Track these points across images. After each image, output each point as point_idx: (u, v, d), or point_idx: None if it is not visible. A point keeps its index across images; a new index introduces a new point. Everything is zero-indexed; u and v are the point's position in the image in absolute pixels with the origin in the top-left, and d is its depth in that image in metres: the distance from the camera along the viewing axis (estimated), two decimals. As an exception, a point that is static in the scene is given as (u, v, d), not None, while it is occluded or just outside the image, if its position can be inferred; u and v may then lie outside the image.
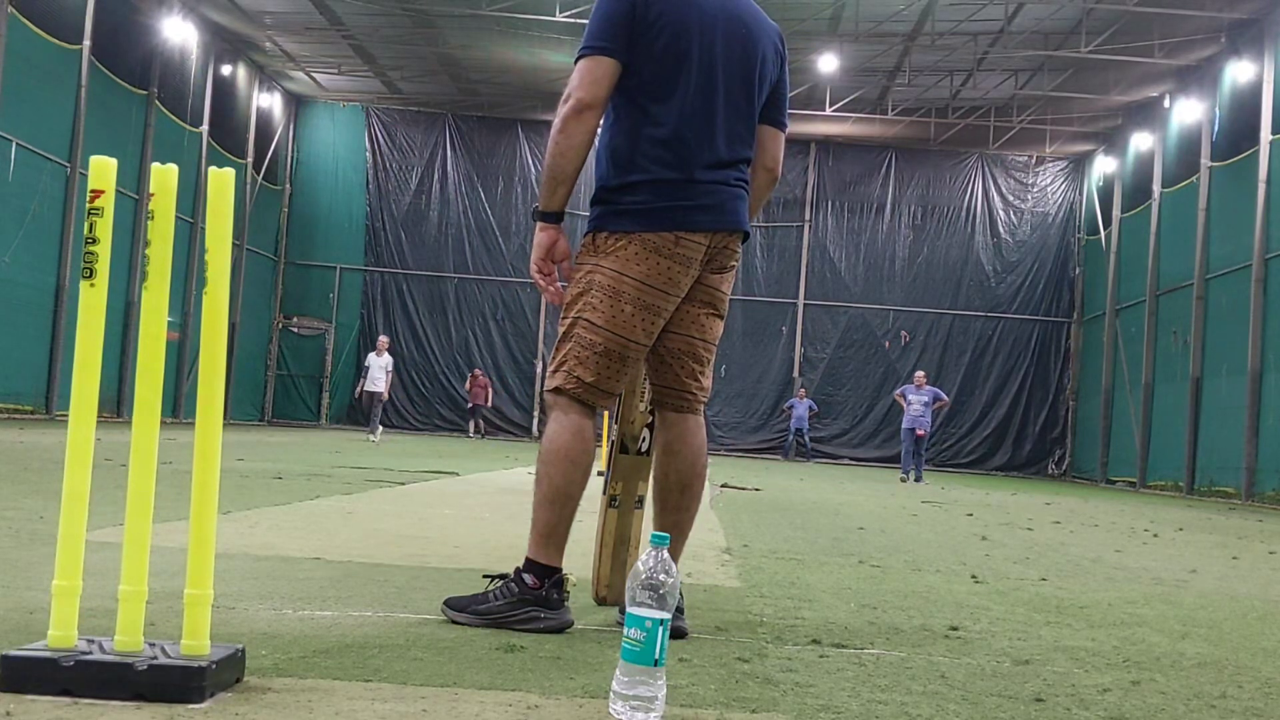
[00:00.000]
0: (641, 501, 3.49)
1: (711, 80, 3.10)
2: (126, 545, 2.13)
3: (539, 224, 3.14)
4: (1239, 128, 20.80)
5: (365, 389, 21.35)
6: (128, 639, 2.10)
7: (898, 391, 20.36)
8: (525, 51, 24.92)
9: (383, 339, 22.67)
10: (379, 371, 21.15)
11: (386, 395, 21.73)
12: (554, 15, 21.96)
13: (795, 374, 29.72)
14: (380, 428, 20.90)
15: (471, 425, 28.43)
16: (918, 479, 18.51)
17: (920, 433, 18.79)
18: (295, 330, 30.09)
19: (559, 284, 3.18)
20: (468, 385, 28.53)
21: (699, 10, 3.09)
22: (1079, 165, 29.96)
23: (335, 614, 3.05)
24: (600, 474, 3.42)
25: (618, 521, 3.40)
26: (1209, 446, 21.18)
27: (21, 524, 4.55)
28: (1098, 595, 4.66)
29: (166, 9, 22.58)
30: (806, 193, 30.02)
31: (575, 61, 3.08)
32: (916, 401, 18.85)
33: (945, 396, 20.14)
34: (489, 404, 28.68)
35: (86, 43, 19.74)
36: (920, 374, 19.92)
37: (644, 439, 3.43)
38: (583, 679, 2.45)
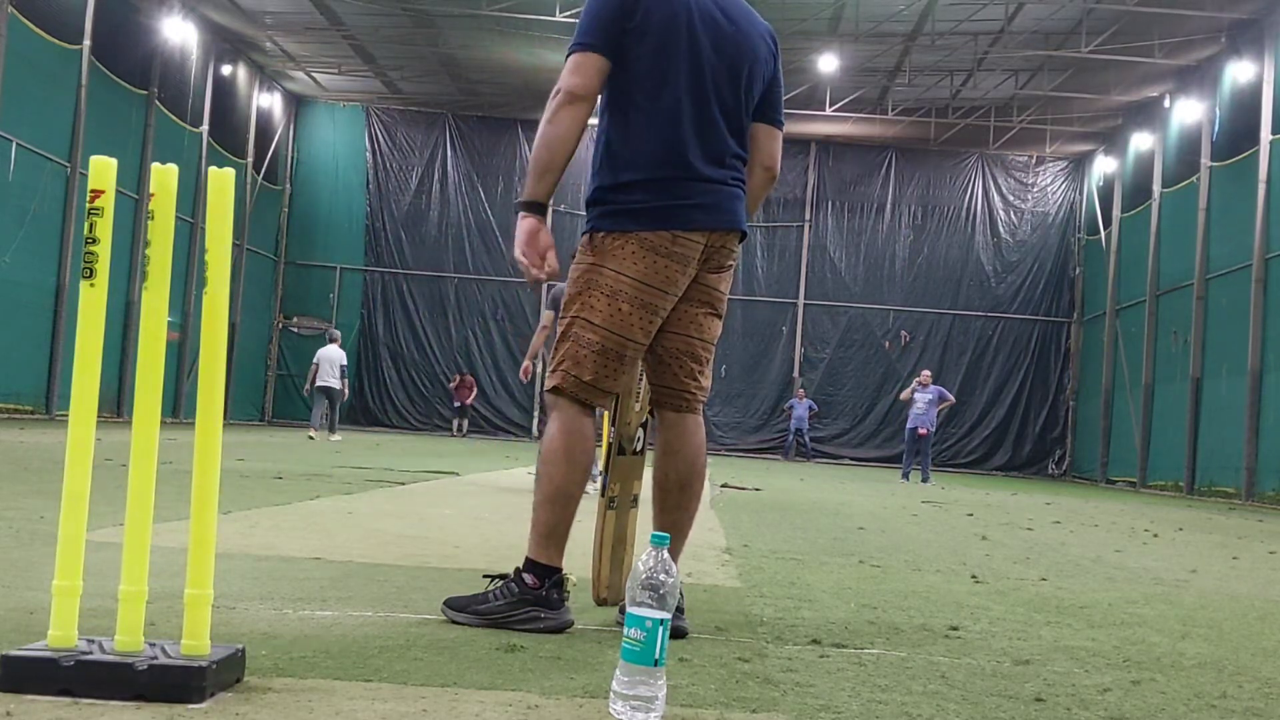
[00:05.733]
0: (637, 500, 3.49)
1: (702, 78, 3.11)
2: (126, 545, 2.13)
3: (521, 213, 3.09)
4: (1239, 128, 20.79)
5: (321, 384, 19.75)
6: (128, 639, 2.10)
7: (907, 391, 19.71)
8: (525, 51, 24.91)
9: (334, 332, 21.88)
10: (333, 365, 19.84)
11: (346, 394, 20.72)
12: (554, 15, 21.96)
13: (795, 374, 29.72)
14: (324, 427, 19.77)
15: (455, 424, 28.82)
16: (924, 479, 18.29)
17: (923, 431, 18.48)
18: (295, 330, 30.08)
19: (546, 269, 3.08)
20: (454, 385, 28.91)
21: (688, 9, 3.11)
22: (1079, 165, 29.94)
23: (335, 614, 3.05)
24: (599, 474, 3.42)
25: (615, 522, 3.40)
26: (1209, 446, 21.17)
27: (21, 524, 4.55)
28: (1098, 595, 4.66)
29: (166, 9, 22.57)
30: (806, 193, 30.01)
31: (566, 57, 3.12)
32: (920, 400, 18.50)
33: (950, 396, 19.90)
34: (471, 402, 29.00)
35: (86, 43, 19.73)
36: (926, 372, 19.55)
37: (638, 438, 3.44)
38: (583, 679, 2.45)
